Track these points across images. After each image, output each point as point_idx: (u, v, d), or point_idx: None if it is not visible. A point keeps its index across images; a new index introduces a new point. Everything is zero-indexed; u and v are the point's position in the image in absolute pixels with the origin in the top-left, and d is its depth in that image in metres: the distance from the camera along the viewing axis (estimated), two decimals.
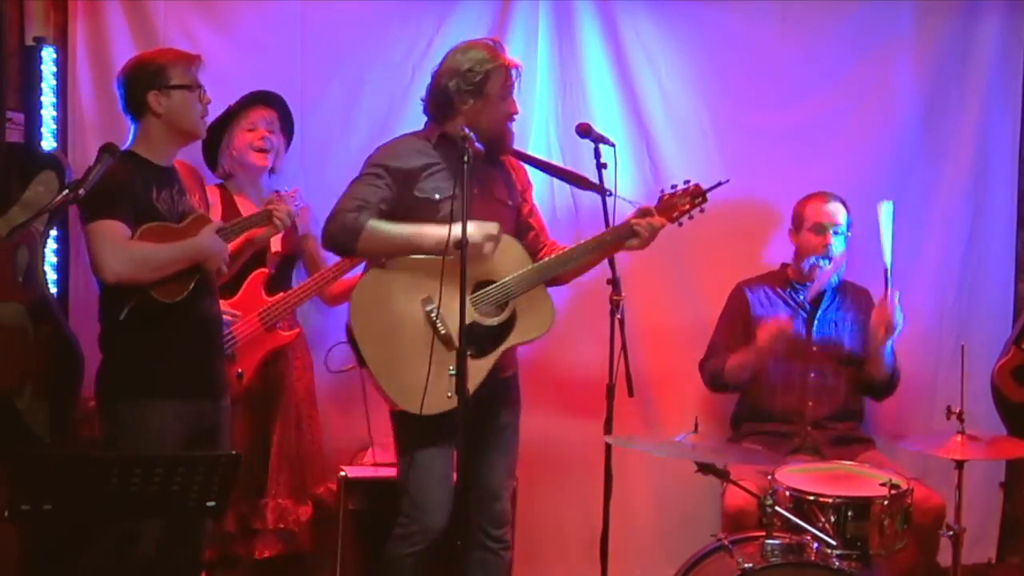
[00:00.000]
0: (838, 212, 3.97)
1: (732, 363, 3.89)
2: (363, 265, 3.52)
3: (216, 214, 3.76)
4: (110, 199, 3.05)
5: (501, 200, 3.42)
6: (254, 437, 3.89)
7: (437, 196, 3.30)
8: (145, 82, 3.17)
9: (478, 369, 3.25)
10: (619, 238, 3.38)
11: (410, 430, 3.34)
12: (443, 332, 3.24)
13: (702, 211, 3.47)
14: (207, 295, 3.28)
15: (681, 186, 3.46)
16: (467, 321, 3.03)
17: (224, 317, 3.69)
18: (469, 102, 3.30)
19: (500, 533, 3.43)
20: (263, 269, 3.85)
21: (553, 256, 3.39)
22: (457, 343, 3.08)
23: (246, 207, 3.88)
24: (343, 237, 3.27)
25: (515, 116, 3.40)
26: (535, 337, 3.38)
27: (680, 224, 3.47)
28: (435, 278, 3.17)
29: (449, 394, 3.04)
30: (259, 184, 3.96)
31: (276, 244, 3.88)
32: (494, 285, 3.33)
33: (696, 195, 3.46)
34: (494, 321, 3.32)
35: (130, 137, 3.22)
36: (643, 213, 3.38)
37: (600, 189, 3.38)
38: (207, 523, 3.37)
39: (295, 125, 4.04)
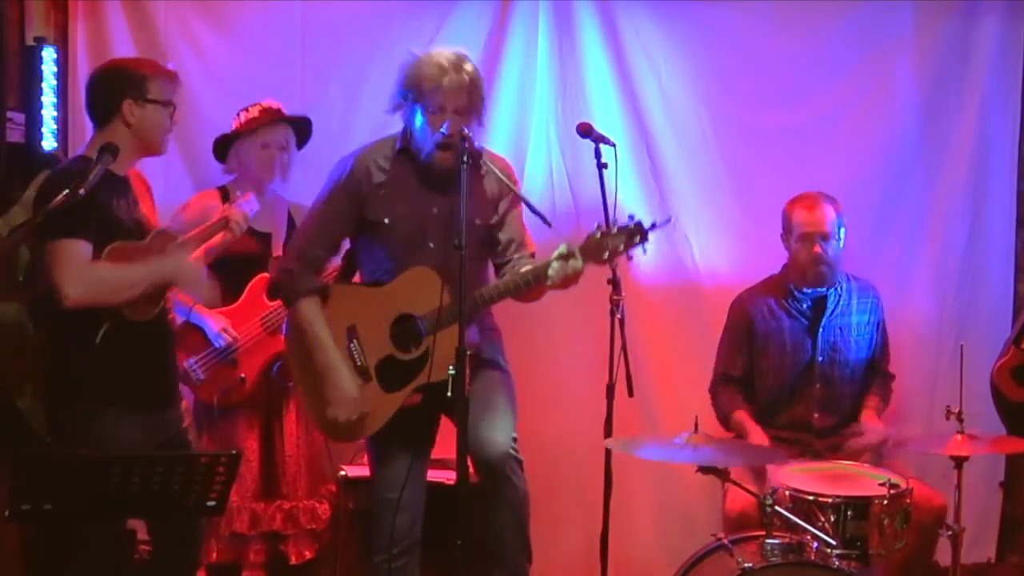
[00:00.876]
0: (825, 218, 3.77)
1: (735, 421, 3.83)
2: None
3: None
4: (71, 215, 2.92)
5: (468, 220, 3.04)
6: (263, 440, 3.91)
7: (386, 220, 3.26)
8: (122, 89, 3.06)
9: (390, 403, 3.23)
10: (538, 279, 3.12)
11: (371, 448, 3.40)
12: (359, 364, 3.25)
13: (644, 252, 3.11)
14: (166, 309, 3.24)
15: (622, 222, 3.10)
16: (383, 355, 3.19)
17: (225, 336, 3.71)
18: (412, 111, 3.24)
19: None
20: (264, 274, 3.83)
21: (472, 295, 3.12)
22: (373, 376, 3.18)
23: None
24: (284, 297, 3.39)
25: (443, 124, 3.16)
26: (444, 379, 3.01)
27: (614, 266, 3.10)
28: (364, 307, 3.25)
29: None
30: (263, 188, 3.93)
31: (278, 249, 3.87)
32: (409, 320, 3.24)
33: (635, 234, 3.08)
34: (408, 356, 3.25)
35: (87, 141, 3.13)
36: (563, 255, 3.06)
37: (543, 219, 3.12)
38: (205, 522, 3.38)
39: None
